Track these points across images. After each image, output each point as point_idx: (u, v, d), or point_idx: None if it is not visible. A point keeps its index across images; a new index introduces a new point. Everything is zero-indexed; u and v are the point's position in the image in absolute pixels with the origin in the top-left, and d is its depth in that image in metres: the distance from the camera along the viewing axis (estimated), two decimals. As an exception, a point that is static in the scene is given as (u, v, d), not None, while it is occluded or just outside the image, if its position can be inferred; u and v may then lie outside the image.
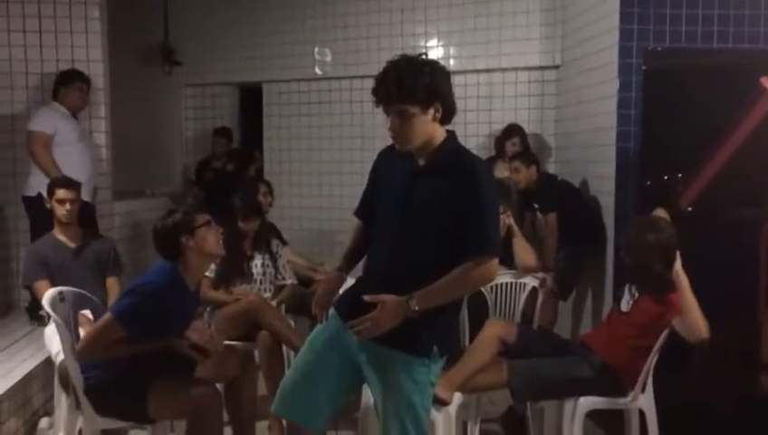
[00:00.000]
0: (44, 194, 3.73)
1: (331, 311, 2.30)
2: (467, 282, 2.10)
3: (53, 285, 3.26)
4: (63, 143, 4.33)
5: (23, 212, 4.44)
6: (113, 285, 3.66)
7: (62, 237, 3.62)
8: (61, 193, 3.58)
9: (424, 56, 2.10)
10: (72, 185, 3.66)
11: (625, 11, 4.06)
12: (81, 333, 2.91)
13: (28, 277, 3.60)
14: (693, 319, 2.75)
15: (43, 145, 4.26)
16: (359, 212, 2.40)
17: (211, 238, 2.77)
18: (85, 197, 4.22)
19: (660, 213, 3.52)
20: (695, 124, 3.86)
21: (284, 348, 3.63)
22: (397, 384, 2.11)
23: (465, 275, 2.05)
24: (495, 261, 2.09)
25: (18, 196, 4.46)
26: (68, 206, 3.57)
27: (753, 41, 4.04)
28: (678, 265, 2.83)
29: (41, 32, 4.74)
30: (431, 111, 2.06)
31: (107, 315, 2.60)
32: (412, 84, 2.00)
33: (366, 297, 2.07)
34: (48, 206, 3.64)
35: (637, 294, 2.99)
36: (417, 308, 2.02)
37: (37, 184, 4.10)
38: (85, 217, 3.91)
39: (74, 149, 4.38)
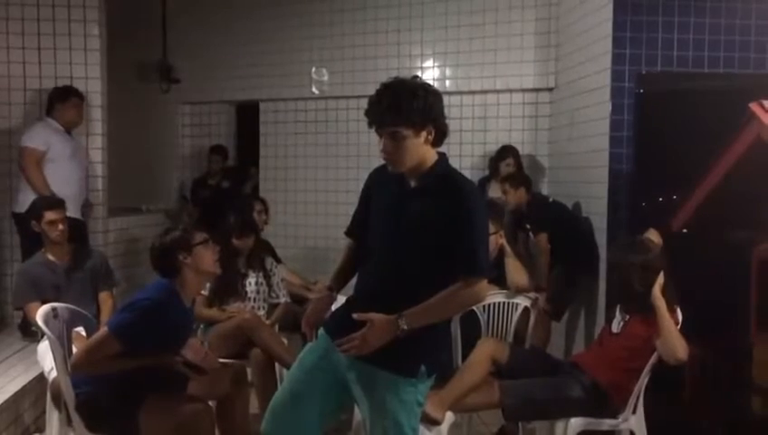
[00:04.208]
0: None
1: (321, 330, 2.30)
2: (456, 302, 2.12)
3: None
4: (55, 159, 4.35)
5: (18, 227, 4.45)
6: (106, 299, 3.67)
7: (53, 257, 3.61)
8: (51, 215, 3.57)
9: (417, 79, 2.13)
10: (58, 204, 3.67)
11: (618, 35, 4.12)
12: (74, 350, 2.92)
13: (19, 299, 3.59)
14: (669, 341, 2.78)
15: (35, 161, 4.28)
16: (350, 232, 2.42)
17: (208, 257, 2.80)
18: (74, 213, 4.24)
19: (652, 235, 3.55)
20: (686, 147, 3.90)
21: (277, 366, 3.63)
22: (383, 403, 2.12)
23: (455, 295, 2.07)
24: (484, 282, 2.11)
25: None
26: (60, 226, 3.57)
27: (743, 66, 4.11)
28: (657, 288, 2.86)
29: (40, 49, 4.78)
30: (423, 134, 2.08)
31: (103, 329, 2.61)
32: (405, 107, 2.03)
33: (355, 315, 2.08)
34: (36, 229, 3.62)
35: (627, 316, 3.02)
36: (405, 327, 2.04)
37: (26, 200, 4.09)
38: (76, 234, 3.91)
39: (66, 165, 4.40)
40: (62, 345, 2.78)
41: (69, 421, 2.71)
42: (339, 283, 2.41)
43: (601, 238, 4.26)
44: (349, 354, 2.09)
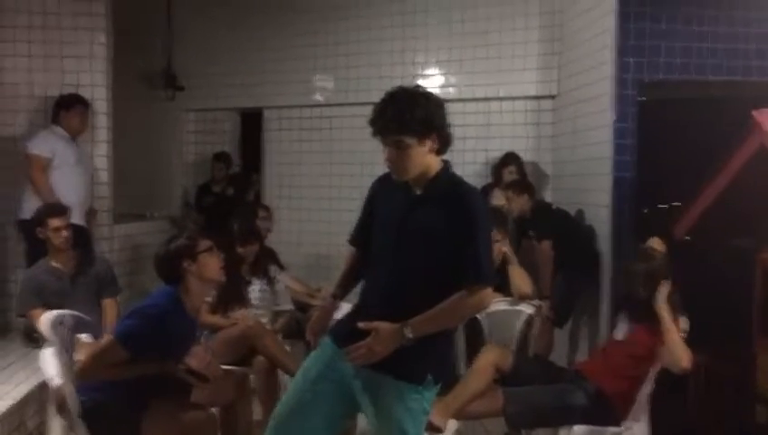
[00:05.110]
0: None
1: (327, 338, 2.30)
2: (461, 310, 2.13)
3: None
4: (61, 166, 4.37)
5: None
6: (110, 306, 3.68)
7: (57, 264, 3.63)
8: (55, 222, 3.59)
9: (420, 87, 2.14)
10: (63, 211, 3.69)
11: (621, 43, 4.14)
12: (78, 357, 2.92)
13: (23, 306, 3.61)
14: (674, 351, 2.78)
15: (40, 168, 4.30)
16: (354, 240, 2.43)
17: (213, 264, 2.81)
18: (78, 220, 4.25)
19: (656, 243, 3.56)
20: (689, 154, 3.91)
21: (280, 373, 3.63)
22: (390, 411, 2.12)
23: (459, 303, 2.07)
24: (489, 289, 2.12)
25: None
26: (64, 233, 3.59)
27: (746, 73, 4.12)
28: (662, 297, 2.86)
29: (46, 56, 4.80)
30: (427, 143, 2.10)
31: (109, 337, 2.62)
32: (409, 116, 2.04)
33: (360, 324, 2.09)
34: (41, 236, 3.64)
35: (632, 324, 3.02)
36: (411, 336, 2.04)
37: (31, 207, 4.09)
38: (80, 241, 3.93)
39: (71, 172, 4.41)
40: (67, 352, 2.78)
41: (72, 428, 2.70)
42: (343, 290, 2.42)
43: (604, 246, 4.27)
44: (355, 364, 2.10)
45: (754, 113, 3.22)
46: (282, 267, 4.57)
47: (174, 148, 6.71)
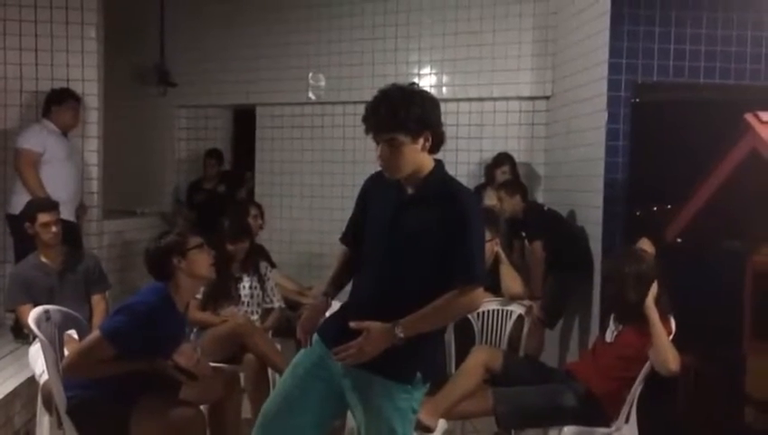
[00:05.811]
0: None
1: (316, 336, 2.29)
2: (452, 310, 2.12)
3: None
4: (51, 161, 4.34)
5: (11, 229, 4.43)
6: (99, 302, 3.66)
7: (45, 260, 3.60)
8: (44, 217, 3.57)
9: (414, 86, 2.13)
10: (52, 207, 3.67)
11: (614, 45, 4.14)
12: (66, 352, 2.90)
13: (11, 302, 3.59)
14: (661, 353, 2.78)
15: (30, 163, 4.27)
16: (345, 238, 2.41)
17: (203, 261, 2.80)
18: (68, 215, 4.23)
19: (645, 244, 3.56)
20: (681, 157, 3.92)
21: (270, 372, 3.62)
22: (379, 410, 2.12)
23: (451, 302, 2.07)
24: (480, 289, 2.11)
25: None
26: (53, 229, 3.57)
27: (739, 77, 4.13)
28: (650, 298, 2.86)
29: (37, 50, 4.77)
30: (421, 141, 2.09)
31: (96, 333, 2.60)
32: (403, 114, 2.03)
33: (352, 324, 2.07)
34: (30, 231, 3.62)
35: (621, 326, 3.02)
36: (402, 335, 2.03)
37: (21, 202, 4.06)
38: (69, 237, 3.90)
39: (62, 167, 4.39)
40: (54, 348, 2.76)
41: (59, 425, 2.69)
42: (334, 289, 2.40)
43: (596, 247, 4.27)
44: (344, 363, 2.09)
45: (747, 116, 3.23)
46: (273, 265, 4.56)
47: (165, 144, 6.68)
